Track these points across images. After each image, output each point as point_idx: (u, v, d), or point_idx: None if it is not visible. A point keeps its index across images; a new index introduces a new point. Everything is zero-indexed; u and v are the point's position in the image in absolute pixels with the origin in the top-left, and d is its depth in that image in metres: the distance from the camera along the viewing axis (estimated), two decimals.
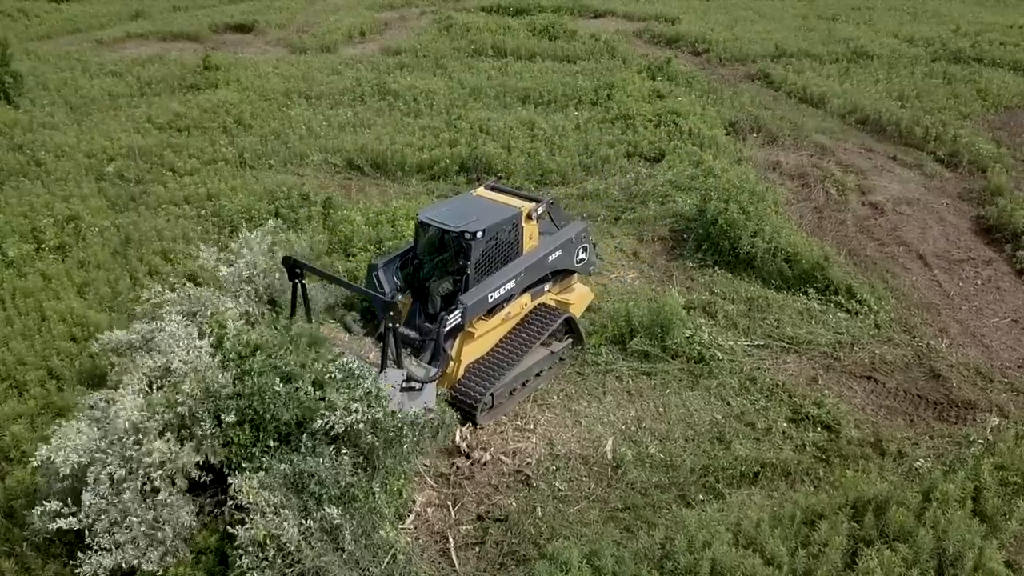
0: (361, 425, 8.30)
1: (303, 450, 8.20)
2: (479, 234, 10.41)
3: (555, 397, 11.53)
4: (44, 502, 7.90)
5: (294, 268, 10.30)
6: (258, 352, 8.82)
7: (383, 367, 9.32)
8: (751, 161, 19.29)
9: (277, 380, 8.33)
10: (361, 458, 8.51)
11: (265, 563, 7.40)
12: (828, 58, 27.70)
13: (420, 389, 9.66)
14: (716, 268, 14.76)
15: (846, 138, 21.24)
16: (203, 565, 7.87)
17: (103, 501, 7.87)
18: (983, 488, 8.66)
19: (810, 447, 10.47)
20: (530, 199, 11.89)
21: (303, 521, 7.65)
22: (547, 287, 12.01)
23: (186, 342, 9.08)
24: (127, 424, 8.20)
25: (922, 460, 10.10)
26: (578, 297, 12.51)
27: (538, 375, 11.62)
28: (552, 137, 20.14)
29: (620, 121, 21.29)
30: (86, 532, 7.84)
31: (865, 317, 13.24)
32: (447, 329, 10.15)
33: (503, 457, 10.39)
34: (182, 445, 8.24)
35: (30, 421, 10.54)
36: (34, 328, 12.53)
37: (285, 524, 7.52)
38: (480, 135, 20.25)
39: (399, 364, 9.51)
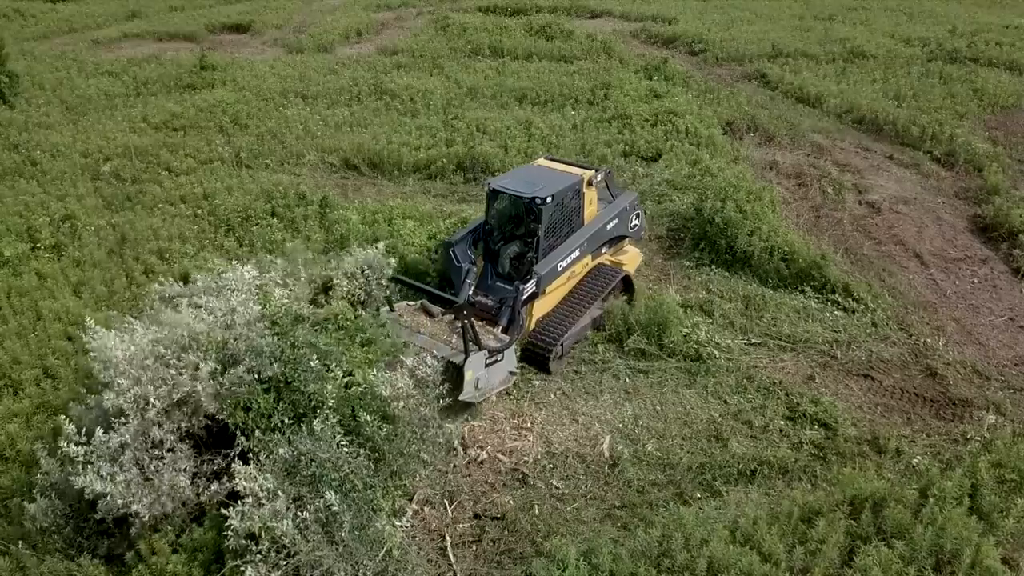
0: (368, 417, 8.39)
1: (306, 432, 8.19)
2: (548, 199, 11.40)
3: (552, 395, 11.52)
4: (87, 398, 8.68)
5: (399, 284, 11.87)
6: (299, 326, 9.13)
7: (466, 356, 10.14)
8: (748, 160, 19.29)
9: (314, 356, 8.60)
10: (370, 451, 8.53)
11: (259, 556, 7.36)
12: (825, 58, 27.63)
13: (502, 359, 10.64)
14: (713, 267, 14.74)
15: (843, 137, 21.22)
16: (199, 562, 7.82)
17: (122, 425, 8.12)
18: (980, 485, 8.67)
19: (807, 445, 10.47)
20: (586, 168, 12.91)
21: (298, 513, 7.60)
22: (604, 249, 13.21)
23: (247, 296, 9.42)
24: (183, 338, 8.59)
25: (919, 458, 10.10)
26: (631, 258, 13.83)
27: (597, 329, 12.71)
28: (549, 137, 20.09)
29: (617, 121, 21.25)
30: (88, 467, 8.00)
31: (862, 315, 13.24)
32: (524, 297, 11.28)
33: (500, 455, 10.37)
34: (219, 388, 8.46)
35: (25, 420, 10.52)
36: (29, 327, 12.50)
37: (280, 514, 7.47)
38: (477, 135, 20.20)
39: (480, 347, 10.37)
